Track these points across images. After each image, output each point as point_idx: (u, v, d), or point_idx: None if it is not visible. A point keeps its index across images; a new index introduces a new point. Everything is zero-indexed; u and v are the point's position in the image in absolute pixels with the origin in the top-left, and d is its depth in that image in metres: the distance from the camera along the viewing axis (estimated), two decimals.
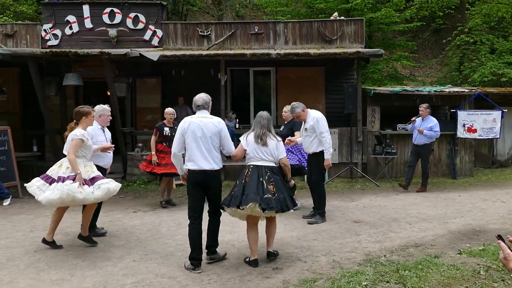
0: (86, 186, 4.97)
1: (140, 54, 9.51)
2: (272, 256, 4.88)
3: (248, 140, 4.86)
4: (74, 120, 5.29)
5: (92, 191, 4.99)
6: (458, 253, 5.09)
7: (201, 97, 4.86)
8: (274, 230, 5.00)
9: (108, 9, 11.19)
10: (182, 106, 11.25)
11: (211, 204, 4.84)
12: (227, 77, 11.06)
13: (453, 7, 18.83)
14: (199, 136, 4.62)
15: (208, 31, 11.31)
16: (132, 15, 11.18)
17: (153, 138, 7.79)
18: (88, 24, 11.19)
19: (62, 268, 4.69)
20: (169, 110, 7.91)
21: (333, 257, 5.03)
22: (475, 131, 10.20)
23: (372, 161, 10.46)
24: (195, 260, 4.62)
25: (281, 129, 7.40)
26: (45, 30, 11.16)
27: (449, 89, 10.69)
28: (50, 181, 5.05)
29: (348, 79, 11.69)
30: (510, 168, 12.03)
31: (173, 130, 7.74)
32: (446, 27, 20.64)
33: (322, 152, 6.44)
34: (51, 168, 5.22)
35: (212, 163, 4.64)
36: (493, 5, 17.04)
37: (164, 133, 7.73)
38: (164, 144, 7.77)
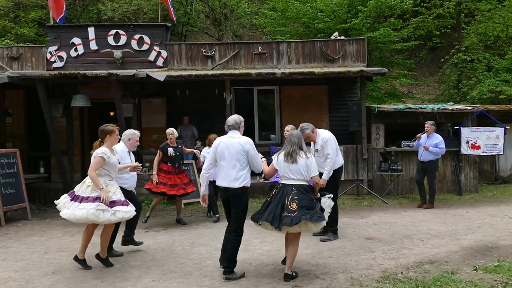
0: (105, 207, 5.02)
1: (147, 74, 9.61)
2: (288, 278, 4.78)
3: (278, 159, 5.02)
4: (99, 139, 5.37)
5: (109, 216, 5.04)
6: (474, 270, 5.13)
7: (233, 118, 5.19)
8: (294, 251, 4.91)
9: (113, 31, 11.36)
10: (187, 125, 11.35)
11: (231, 222, 4.92)
12: (231, 96, 11.17)
13: (449, 26, 19.21)
14: (226, 156, 4.90)
15: (212, 51, 11.48)
16: (137, 36, 11.34)
17: (156, 158, 7.85)
18: (93, 46, 11.33)
19: None
20: (169, 130, 7.98)
21: (350, 274, 5.04)
22: (478, 147, 10.33)
23: (377, 178, 10.53)
24: (221, 264, 5.02)
25: None
26: (50, 53, 11.28)
27: (451, 106, 10.85)
28: (73, 197, 5.12)
29: (350, 97, 11.86)
30: None
31: (176, 149, 7.85)
32: (442, 46, 21.04)
33: (334, 171, 6.50)
34: (77, 185, 5.30)
35: (234, 181, 4.83)
36: (489, 25, 17.44)
37: (169, 154, 7.76)
38: (169, 164, 7.83)
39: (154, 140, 11.43)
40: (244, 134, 11.65)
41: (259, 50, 11.45)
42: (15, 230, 7.73)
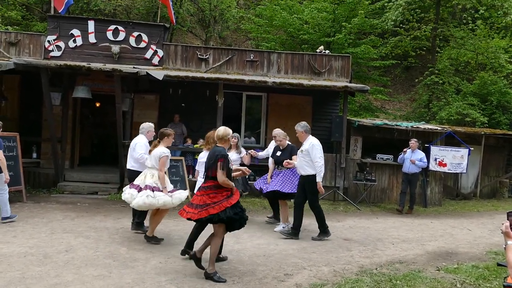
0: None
1: (147, 72, 10.11)
2: None
3: None
4: (158, 139, 6.35)
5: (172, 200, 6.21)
6: (437, 270, 5.98)
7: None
8: None
9: (112, 27, 11.76)
10: (177, 123, 11.88)
11: None
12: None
13: (425, 48, 20.46)
14: None
15: (207, 54, 12.06)
16: (135, 34, 11.78)
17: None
18: (92, 39, 11.68)
19: (98, 266, 5.23)
20: (222, 130, 5.26)
21: (333, 267, 5.80)
22: (445, 165, 11.37)
23: (352, 186, 11.38)
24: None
25: (277, 154, 7.97)
26: (48, 41, 11.57)
27: (423, 125, 11.85)
28: (139, 189, 6.14)
29: (332, 109, 12.70)
30: (472, 200, 13.27)
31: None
32: (416, 65, 22.32)
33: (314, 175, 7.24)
34: (137, 178, 6.36)
35: None
36: (461, 51, 18.74)
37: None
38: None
39: None
40: None
41: (251, 57, 12.13)
42: (15, 211, 8.06)
